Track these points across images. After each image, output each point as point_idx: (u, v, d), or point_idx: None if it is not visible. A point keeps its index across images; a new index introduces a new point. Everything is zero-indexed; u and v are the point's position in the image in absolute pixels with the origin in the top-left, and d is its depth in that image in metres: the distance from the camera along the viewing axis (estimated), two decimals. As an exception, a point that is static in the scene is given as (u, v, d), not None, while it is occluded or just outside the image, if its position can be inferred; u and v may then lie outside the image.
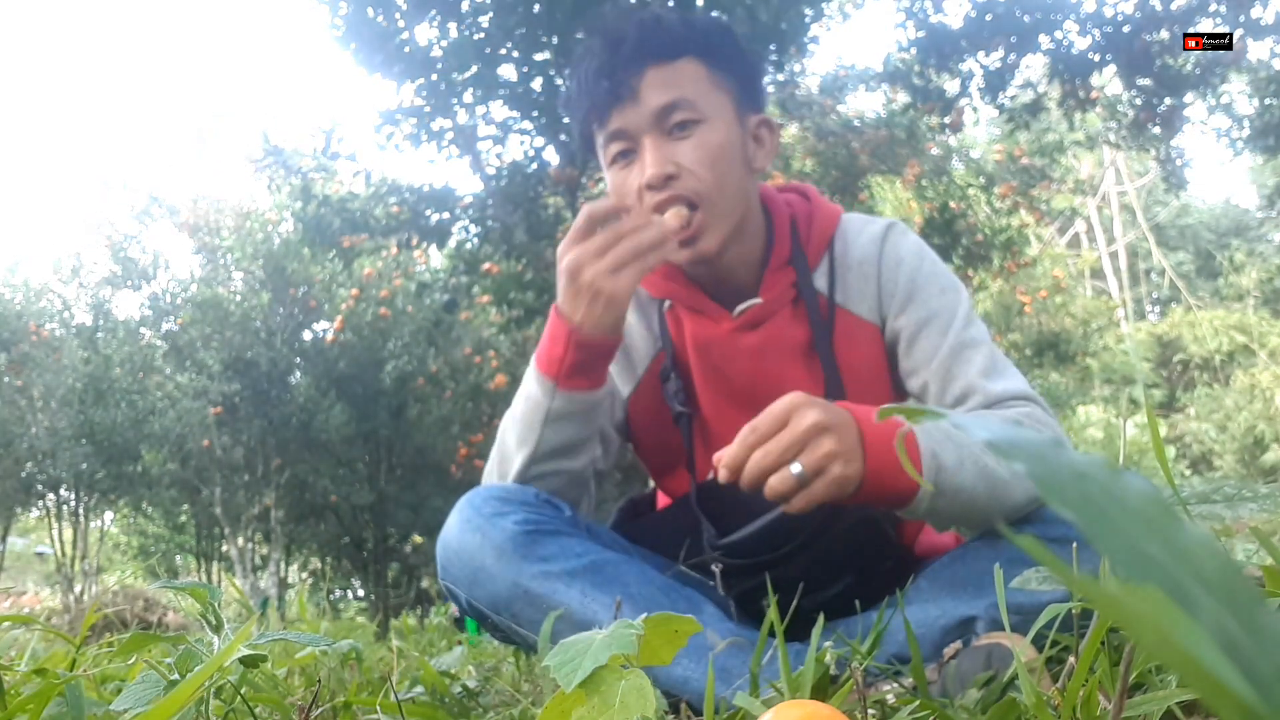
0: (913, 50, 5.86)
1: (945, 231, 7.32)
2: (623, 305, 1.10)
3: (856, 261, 1.24)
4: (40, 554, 16.81)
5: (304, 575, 12.67)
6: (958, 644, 0.93)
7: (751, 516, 1.12)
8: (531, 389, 1.18)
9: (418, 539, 10.54)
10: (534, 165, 5.74)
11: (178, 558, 12.99)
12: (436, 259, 9.69)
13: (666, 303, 1.29)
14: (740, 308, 1.23)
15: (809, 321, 1.22)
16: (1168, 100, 5.95)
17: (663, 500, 1.38)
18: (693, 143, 1.15)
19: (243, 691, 0.73)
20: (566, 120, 5.18)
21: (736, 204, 1.20)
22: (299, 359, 9.45)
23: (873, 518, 1.14)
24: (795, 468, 0.93)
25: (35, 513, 11.26)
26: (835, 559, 1.13)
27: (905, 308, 1.21)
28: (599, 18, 1.25)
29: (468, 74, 5.15)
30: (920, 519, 1.07)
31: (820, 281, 1.24)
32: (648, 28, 1.16)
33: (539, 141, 5.69)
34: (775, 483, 0.94)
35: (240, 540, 9.51)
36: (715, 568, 1.15)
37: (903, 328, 1.21)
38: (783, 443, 0.94)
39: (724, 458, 0.97)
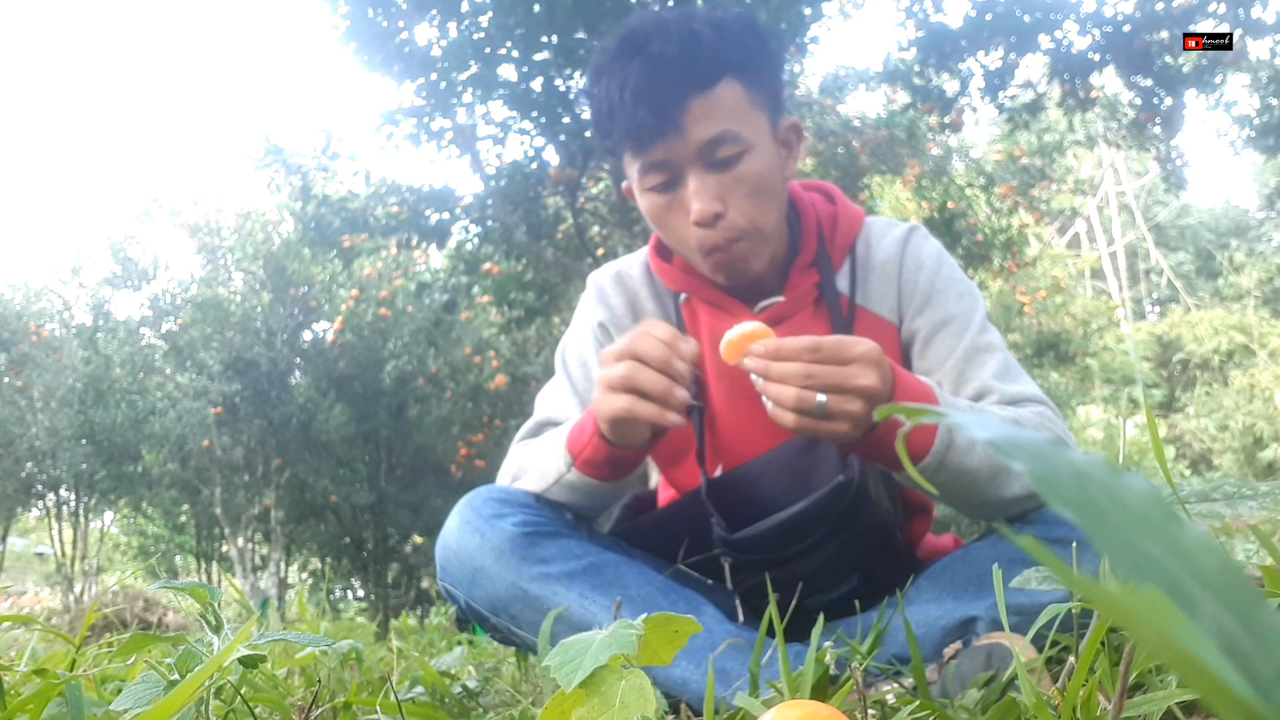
0: (913, 50, 5.86)
1: (945, 231, 7.32)
2: (631, 424, 1.05)
3: (879, 262, 1.25)
4: (40, 554, 16.82)
5: (304, 575, 12.67)
6: (958, 644, 0.93)
7: (761, 511, 1.12)
8: (558, 445, 1.17)
9: (418, 539, 10.54)
10: (534, 165, 5.74)
11: (178, 558, 12.99)
12: (436, 259, 9.69)
13: (683, 295, 1.29)
14: (762, 305, 1.23)
15: (829, 322, 1.22)
16: (1168, 100, 5.95)
17: (664, 495, 1.38)
18: (738, 174, 1.13)
19: (243, 691, 0.73)
20: (568, 120, 5.20)
21: (779, 225, 1.21)
22: (299, 359, 9.45)
23: (885, 522, 1.15)
24: (822, 398, 0.95)
25: (35, 513, 11.27)
26: (844, 560, 1.13)
27: (923, 309, 1.22)
28: (619, 20, 1.17)
29: (468, 74, 5.15)
30: (917, 486, 1.10)
31: (842, 283, 1.25)
32: (688, 49, 1.10)
33: (539, 141, 5.69)
34: (795, 398, 0.95)
35: (240, 540, 9.51)
36: (725, 561, 1.15)
37: (919, 328, 1.22)
38: (831, 374, 0.95)
39: (777, 343, 0.97)
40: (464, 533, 1.12)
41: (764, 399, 0.98)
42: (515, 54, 5.00)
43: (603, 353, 1.08)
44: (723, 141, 1.12)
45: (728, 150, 1.12)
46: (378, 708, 0.84)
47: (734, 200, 1.14)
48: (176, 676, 0.64)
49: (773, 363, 0.96)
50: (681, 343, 1.03)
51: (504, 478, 1.26)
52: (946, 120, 6.17)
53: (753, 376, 0.98)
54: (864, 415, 0.96)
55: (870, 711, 0.74)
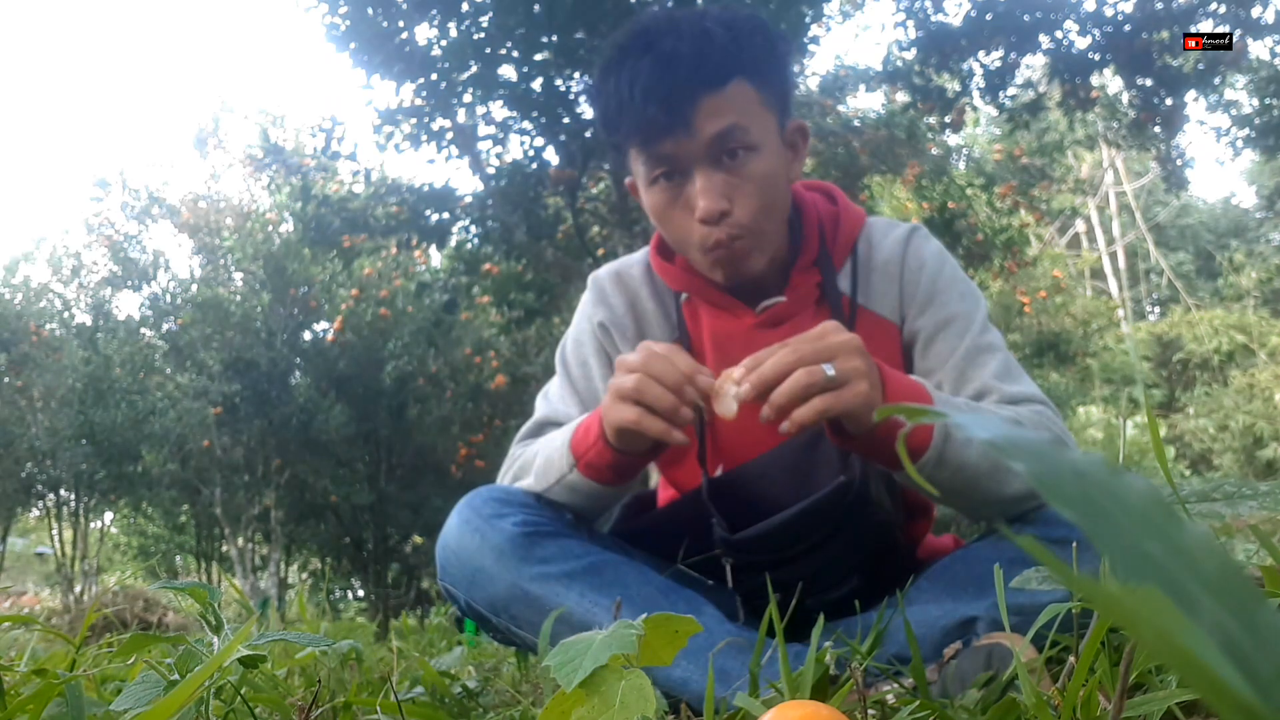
0: (913, 50, 5.87)
1: (945, 231, 7.33)
2: (636, 434, 1.04)
3: (881, 262, 1.25)
4: (40, 554, 16.82)
5: (304, 575, 12.67)
6: (958, 644, 0.93)
7: (762, 511, 1.12)
8: (560, 445, 1.16)
9: (418, 539, 10.55)
10: (534, 165, 5.75)
11: (178, 558, 13.00)
12: (436, 259, 9.70)
13: (684, 295, 1.29)
14: (764, 305, 1.23)
15: None
16: (1168, 100, 5.95)
17: (664, 495, 1.38)
18: (745, 174, 1.13)
19: (243, 692, 0.73)
20: (568, 120, 5.20)
21: (781, 226, 1.21)
22: (299, 359, 9.45)
23: (885, 522, 1.15)
24: (829, 369, 0.95)
25: (35, 513, 11.27)
26: (846, 561, 1.13)
27: (925, 309, 1.23)
28: (619, 20, 1.17)
29: (468, 74, 5.15)
30: (917, 485, 1.10)
31: (843, 283, 1.25)
32: (700, 48, 1.10)
33: (539, 141, 5.69)
34: (804, 375, 0.95)
35: (240, 540, 9.51)
36: (726, 562, 1.14)
37: (921, 328, 1.23)
38: (817, 346, 0.96)
39: (752, 357, 0.97)
40: (464, 533, 1.12)
41: (782, 423, 0.96)
42: (515, 54, 5.00)
43: (619, 360, 1.07)
44: (732, 137, 1.12)
45: (736, 145, 1.13)
46: (378, 708, 0.84)
47: (740, 199, 1.14)
48: (176, 676, 0.64)
49: (763, 367, 0.96)
50: (700, 375, 1.02)
51: (504, 477, 1.26)
52: (946, 120, 6.17)
53: (763, 411, 0.97)
54: (868, 369, 0.97)
55: (870, 711, 0.74)
